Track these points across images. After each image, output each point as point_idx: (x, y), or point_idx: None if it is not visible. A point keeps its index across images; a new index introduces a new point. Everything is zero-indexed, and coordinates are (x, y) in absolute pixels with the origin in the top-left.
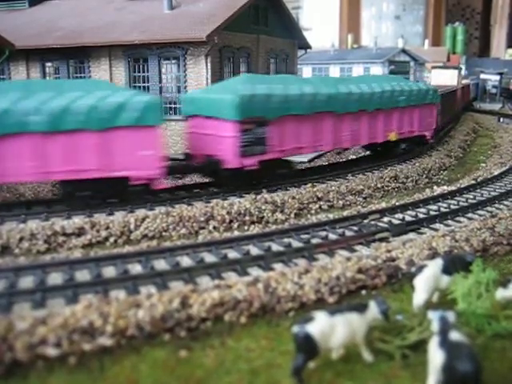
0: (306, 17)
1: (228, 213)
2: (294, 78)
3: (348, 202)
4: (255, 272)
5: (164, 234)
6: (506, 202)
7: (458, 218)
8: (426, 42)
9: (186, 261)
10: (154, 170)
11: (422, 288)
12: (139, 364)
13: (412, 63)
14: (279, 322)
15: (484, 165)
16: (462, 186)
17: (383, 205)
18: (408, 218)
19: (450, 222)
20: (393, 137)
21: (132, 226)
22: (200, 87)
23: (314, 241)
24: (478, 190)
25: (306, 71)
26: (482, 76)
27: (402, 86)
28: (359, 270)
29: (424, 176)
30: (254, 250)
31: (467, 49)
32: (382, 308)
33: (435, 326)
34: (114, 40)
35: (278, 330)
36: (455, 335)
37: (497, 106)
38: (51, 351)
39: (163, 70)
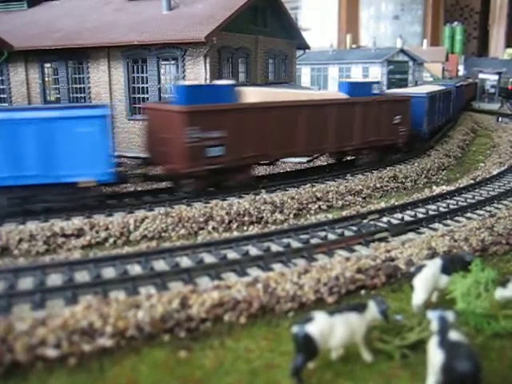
0: (305, 17)
1: (227, 213)
2: None
3: (347, 202)
4: (254, 272)
5: (163, 234)
6: (504, 202)
7: (456, 218)
8: (425, 41)
9: (185, 261)
10: None
11: (421, 288)
12: (139, 364)
13: (411, 63)
14: (279, 322)
15: (483, 164)
16: (461, 185)
17: (382, 205)
18: (407, 218)
19: (449, 221)
20: None
21: (131, 227)
22: None
23: (314, 241)
24: (477, 190)
25: (305, 71)
26: (481, 76)
27: None
28: (358, 270)
29: (423, 176)
30: (254, 251)
31: (466, 48)
32: (382, 308)
33: (434, 325)
34: (113, 41)
35: (277, 330)
36: (454, 335)
37: (495, 106)
38: (51, 352)
39: (162, 71)
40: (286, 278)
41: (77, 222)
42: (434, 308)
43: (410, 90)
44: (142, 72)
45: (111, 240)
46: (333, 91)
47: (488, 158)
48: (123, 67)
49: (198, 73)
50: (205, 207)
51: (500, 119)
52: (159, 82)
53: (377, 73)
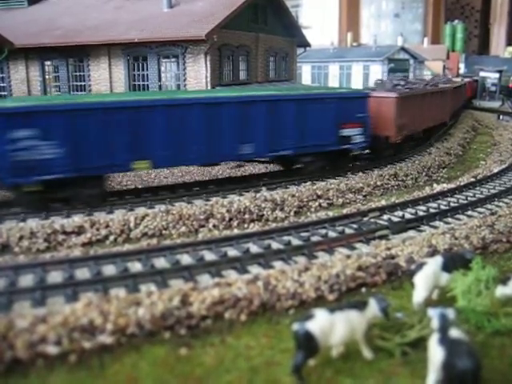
0: (306, 15)
1: (228, 211)
2: None
3: (348, 200)
4: (255, 270)
5: (164, 232)
6: (505, 200)
7: (457, 216)
8: (426, 39)
9: (185, 259)
10: None
11: (422, 285)
12: (139, 362)
13: (411, 61)
14: (279, 319)
15: (483, 162)
16: (462, 183)
17: (383, 202)
18: (408, 216)
19: (449, 219)
20: None
21: (132, 225)
22: (199, 86)
23: (314, 239)
24: (478, 188)
25: (306, 69)
26: (482, 74)
27: None
28: (359, 268)
29: (424, 174)
30: (254, 248)
31: (466, 47)
32: (382, 305)
33: (435, 323)
34: (114, 38)
35: (277, 327)
36: (455, 332)
37: (496, 104)
38: (51, 349)
39: (162, 69)
40: (287, 275)
41: (77, 219)
42: (434, 306)
43: None
44: (143, 70)
45: (112, 237)
46: None
47: (489, 156)
48: (124, 65)
49: (198, 70)
50: (205, 205)
51: (501, 117)
52: (160, 80)
53: (377, 71)
